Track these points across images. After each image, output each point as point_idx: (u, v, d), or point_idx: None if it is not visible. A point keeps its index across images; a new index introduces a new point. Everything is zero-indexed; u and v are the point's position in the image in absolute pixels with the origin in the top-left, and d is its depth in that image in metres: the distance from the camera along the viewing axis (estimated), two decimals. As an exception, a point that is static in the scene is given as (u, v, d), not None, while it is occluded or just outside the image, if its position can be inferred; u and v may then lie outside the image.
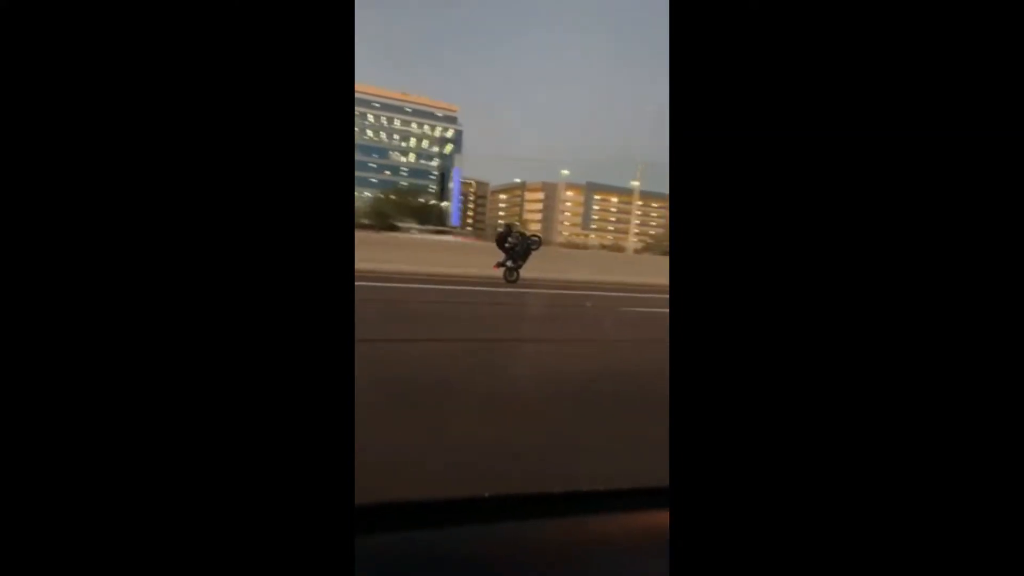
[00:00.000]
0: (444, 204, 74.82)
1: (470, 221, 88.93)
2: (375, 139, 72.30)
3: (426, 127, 75.26)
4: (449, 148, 76.58)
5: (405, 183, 73.37)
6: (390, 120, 73.18)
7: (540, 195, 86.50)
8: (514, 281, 9.99)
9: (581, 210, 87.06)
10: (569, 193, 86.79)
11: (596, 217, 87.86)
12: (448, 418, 2.66)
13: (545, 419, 2.73)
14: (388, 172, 72.74)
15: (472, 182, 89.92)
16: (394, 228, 57.56)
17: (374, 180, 70.96)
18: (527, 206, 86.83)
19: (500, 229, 10.56)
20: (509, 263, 10.13)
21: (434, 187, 75.59)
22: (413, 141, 74.84)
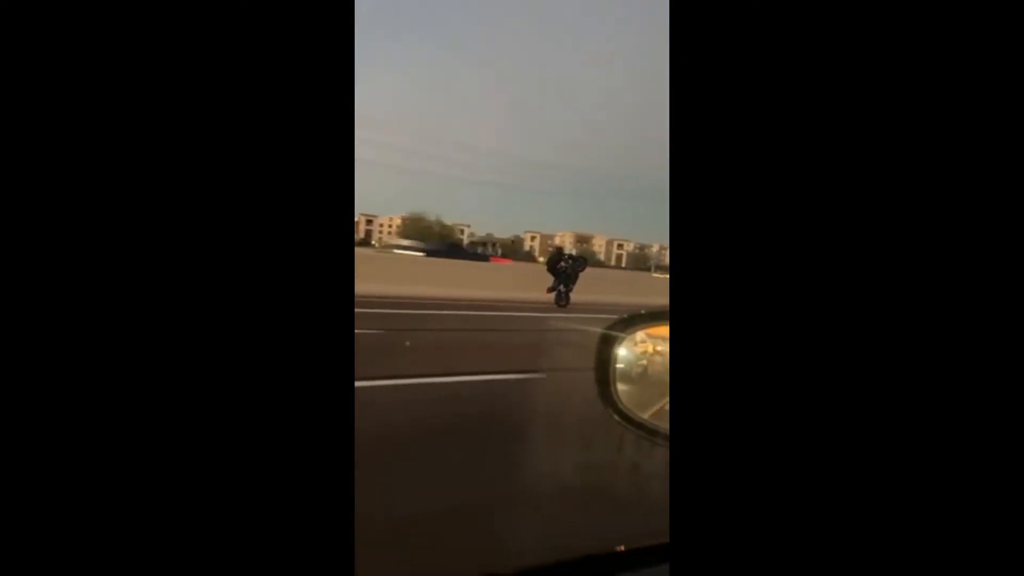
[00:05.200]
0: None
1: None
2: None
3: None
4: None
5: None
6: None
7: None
8: (564, 305, 9.49)
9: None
10: None
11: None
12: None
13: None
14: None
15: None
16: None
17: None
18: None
19: (552, 252, 10.21)
20: (561, 287, 9.64)
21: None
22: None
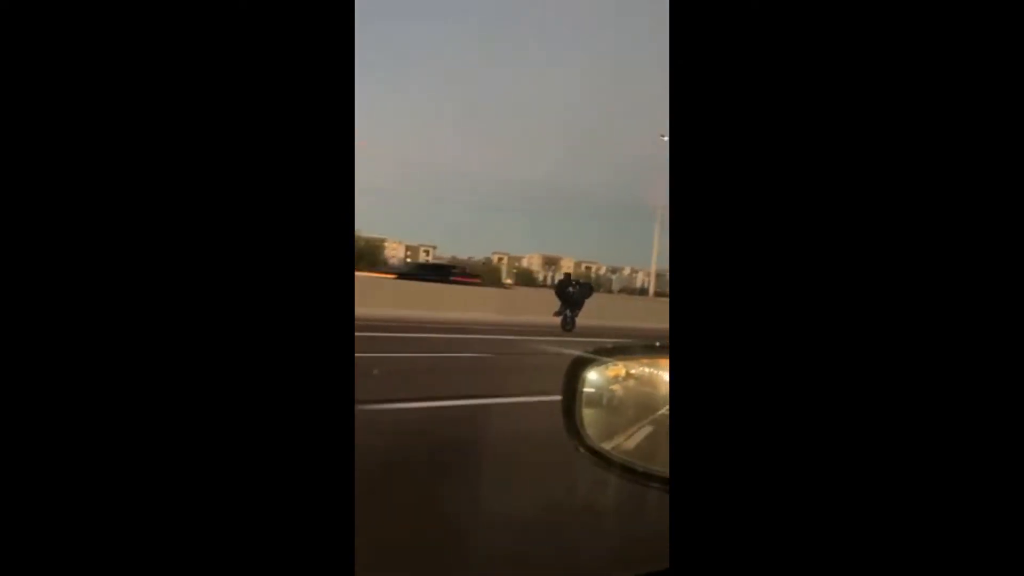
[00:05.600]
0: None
1: None
2: None
3: None
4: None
5: None
6: None
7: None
8: (570, 330, 9.95)
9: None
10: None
11: None
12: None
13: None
14: None
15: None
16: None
17: None
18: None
19: (560, 278, 10.74)
20: (568, 312, 10.20)
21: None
22: None
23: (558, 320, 10.42)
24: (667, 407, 0.68)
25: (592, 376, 0.77)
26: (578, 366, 0.75)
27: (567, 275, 11.77)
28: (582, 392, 0.76)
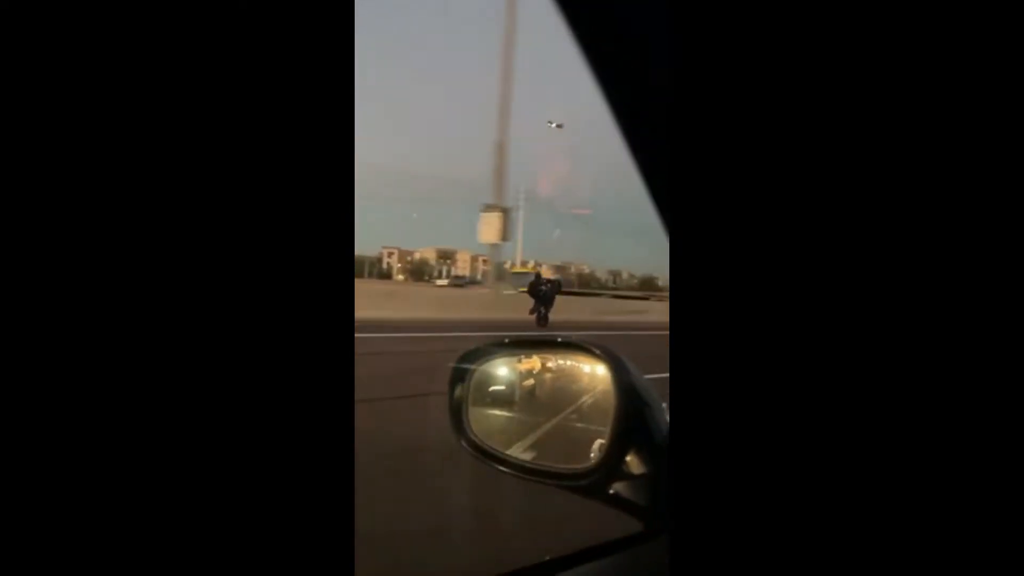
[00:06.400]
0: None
1: None
2: None
3: None
4: None
5: None
6: None
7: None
8: (544, 325, 10.44)
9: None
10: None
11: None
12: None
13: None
14: None
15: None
16: None
17: None
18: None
19: (532, 278, 11.74)
20: (541, 309, 10.75)
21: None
22: None
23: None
24: (578, 402, 0.65)
25: (501, 372, 0.72)
26: (463, 361, 0.70)
27: (537, 275, 12.18)
28: (470, 387, 0.70)
